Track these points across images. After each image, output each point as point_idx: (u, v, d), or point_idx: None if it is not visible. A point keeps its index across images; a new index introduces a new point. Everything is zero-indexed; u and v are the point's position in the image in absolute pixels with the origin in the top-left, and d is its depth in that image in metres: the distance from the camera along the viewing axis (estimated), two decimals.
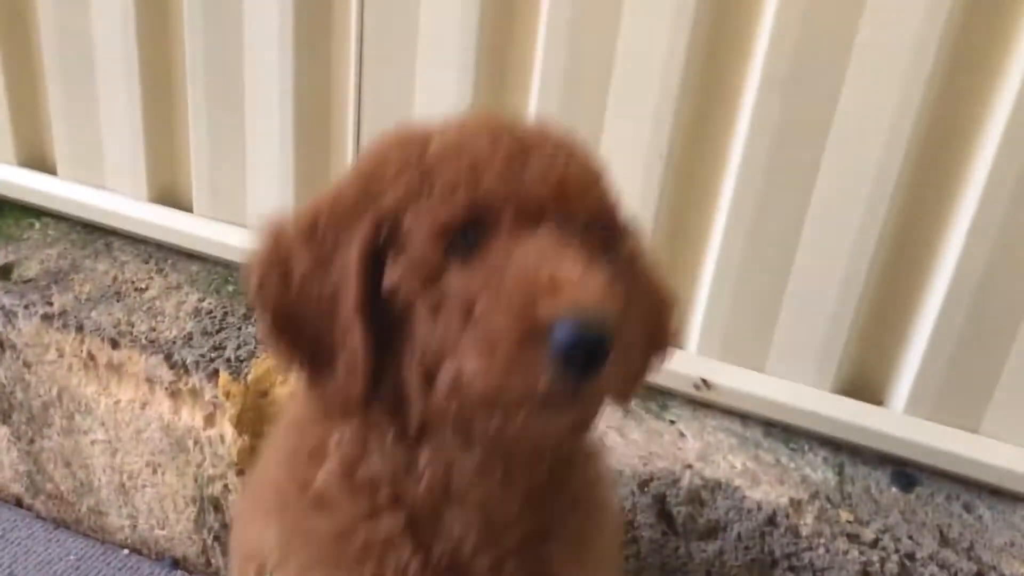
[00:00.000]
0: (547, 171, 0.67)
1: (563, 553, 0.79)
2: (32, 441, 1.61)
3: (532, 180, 0.66)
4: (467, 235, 0.66)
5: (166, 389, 1.40)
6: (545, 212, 0.66)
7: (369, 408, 0.72)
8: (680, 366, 1.29)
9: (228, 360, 1.36)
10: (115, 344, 1.41)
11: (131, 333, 1.40)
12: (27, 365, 1.51)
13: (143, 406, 1.44)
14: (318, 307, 0.70)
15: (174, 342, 1.39)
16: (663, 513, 1.21)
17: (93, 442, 1.53)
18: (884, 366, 1.26)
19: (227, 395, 1.34)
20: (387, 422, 0.73)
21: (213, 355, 1.36)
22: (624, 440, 1.26)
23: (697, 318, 1.30)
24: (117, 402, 1.46)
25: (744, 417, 1.30)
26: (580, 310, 0.59)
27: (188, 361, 1.36)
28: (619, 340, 0.61)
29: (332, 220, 0.71)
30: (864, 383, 1.27)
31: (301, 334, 0.71)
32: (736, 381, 1.28)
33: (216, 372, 1.35)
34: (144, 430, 1.46)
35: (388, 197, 0.69)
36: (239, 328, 1.41)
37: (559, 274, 0.61)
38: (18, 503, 1.72)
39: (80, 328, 1.42)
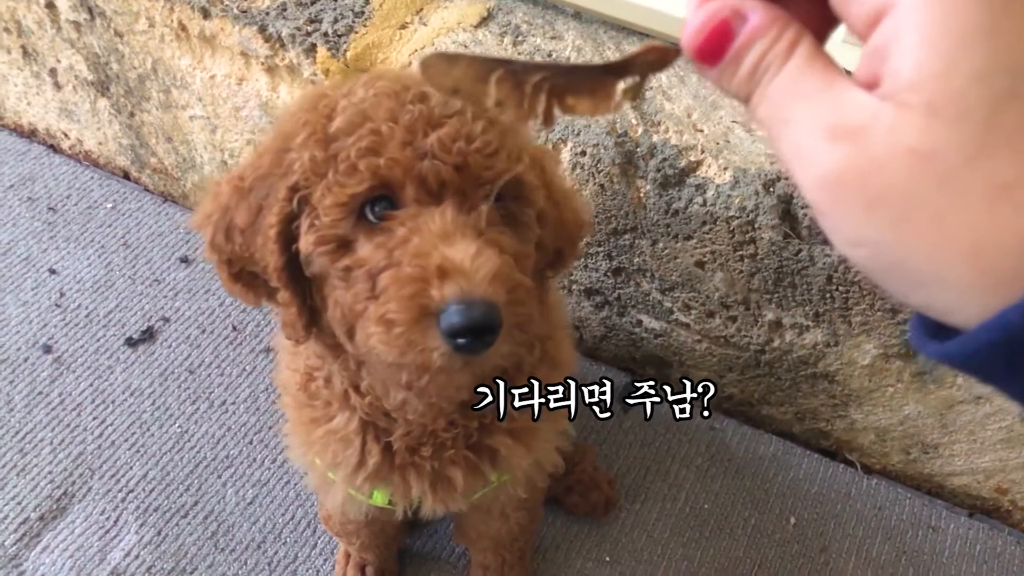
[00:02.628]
0: (449, 144, 0.67)
1: (507, 442, 0.89)
2: (132, 115, 1.59)
3: (433, 155, 0.67)
4: (374, 207, 0.68)
5: (262, 64, 1.34)
6: (446, 187, 0.67)
7: (319, 335, 0.78)
8: None
9: (326, 35, 1.26)
10: (206, 13, 1.32)
11: (222, 2, 1.31)
12: (119, 35, 1.44)
13: (240, 82, 1.38)
14: (257, 260, 0.75)
15: (267, 13, 1.29)
16: (787, 214, 1.13)
17: (192, 118, 1.50)
18: None
19: (326, 73, 1.26)
20: (332, 351, 0.81)
21: (310, 28, 1.27)
22: (750, 137, 1.16)
23: None
24: (212, 76, 1.40)
25: None
26: (466, 297, 0.63)
27: (284, 34, 1.28)
28: (508, 318, 0.65)
29: (257, 179, 0.73)
30: None
31: (253, 279, 0.77)
32: None
33: (314, 47, 1.27)
34: (242, 107, 1.42)
35: (297, 167, 0.70)
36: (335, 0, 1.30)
37: (450, 259, 0.64)
38: (126, 176, 1.75)
39: None
